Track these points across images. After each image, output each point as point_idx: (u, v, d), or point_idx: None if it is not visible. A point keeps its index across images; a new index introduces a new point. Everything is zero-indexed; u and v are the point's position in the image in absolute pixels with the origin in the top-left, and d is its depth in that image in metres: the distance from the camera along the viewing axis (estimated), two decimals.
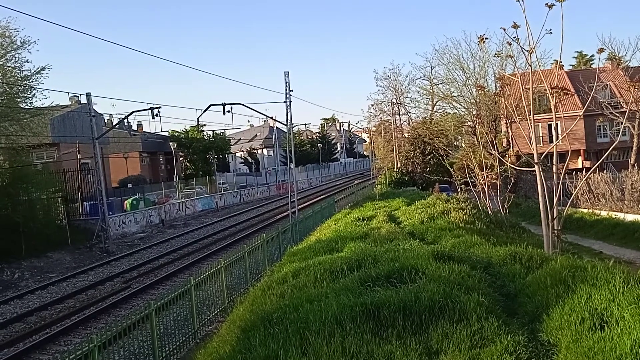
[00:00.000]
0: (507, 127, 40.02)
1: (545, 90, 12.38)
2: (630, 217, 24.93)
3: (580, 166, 40.50)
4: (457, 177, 27.79)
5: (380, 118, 54.17)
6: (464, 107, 41.97)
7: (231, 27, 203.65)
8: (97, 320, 15.63)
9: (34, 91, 29.81)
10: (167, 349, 9.99)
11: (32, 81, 29.46)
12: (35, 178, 29.37)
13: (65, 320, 15.58)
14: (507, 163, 21.14)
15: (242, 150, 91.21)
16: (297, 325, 7.20)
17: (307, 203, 41.48)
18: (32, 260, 25.20)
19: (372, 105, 54.03)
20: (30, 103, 30.28)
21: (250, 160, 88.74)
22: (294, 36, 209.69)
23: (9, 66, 28.73)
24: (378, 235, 15.25)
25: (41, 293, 19.64)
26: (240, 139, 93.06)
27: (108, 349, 8.16)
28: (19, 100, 29.70)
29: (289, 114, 31.58)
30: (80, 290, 19.45)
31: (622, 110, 37.74)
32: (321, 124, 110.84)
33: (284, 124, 34.85)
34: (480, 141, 25.84)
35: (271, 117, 47.99)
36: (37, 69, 29.53)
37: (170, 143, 54.79)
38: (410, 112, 52.38)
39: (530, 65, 12.16)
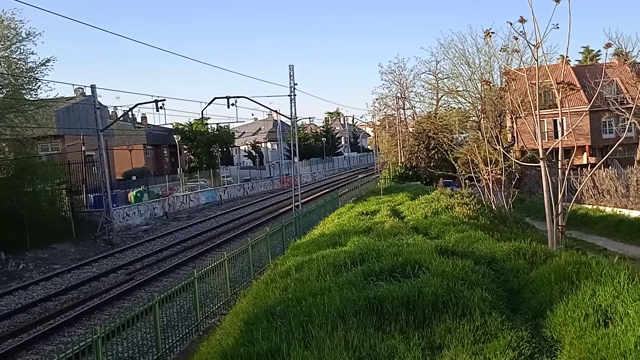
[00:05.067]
0: (512, 123, 39.84)
1: (551, 85, 12.32)
2: (635, 214, 24.83)
3: (585, 162, 40.28)
4: (462, 172, 27.70)
5: (385, 112, 54.01)
6: (469, 102, 41.80)
7: (236, 19, 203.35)
8: (100, 311, 15.70)
9: (39, 83, 29.94)
10: (170, 340, 10.02)
11: (37, 73, 29.57)
12: (40, 170, 29.45)
13: (69, 312, 15.65)
14: (512, 158, 21.12)
15: (246, 144, 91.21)
16: (300, 319, 7.20)
17: (311, 197, 41.48)
18: (37, 252, 25.32)
19: (377, 99, 53.83)
20: (35, 95, 30.41)
21: (254, 153, 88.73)
22: (299, 29, 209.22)
23: (14, 58, 28.81)
24: (381, 229, 15.23)
25: (45, 284, 19.72)
26: (244, 132, 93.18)
27: (112, 340, 8.20)
28: (24, 92, 29.78)
29: (293, 108, 31.52)
30: (84, 282, 19.53)
31: (628, 106, 37.45)
32: (325, 118, 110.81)
33: (288, 118, 34.78)
34: (485, 136, 25.77)
35: (275, 111, 47.84)
36: (42, 60, 29.64)
37: (175, 136, 54.82)
38: (414, 107, 52.21)
39: (537, 60, 12.08)
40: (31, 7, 38.52)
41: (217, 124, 62.40)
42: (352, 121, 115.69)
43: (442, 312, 7.04)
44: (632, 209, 25.48)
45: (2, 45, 28.21)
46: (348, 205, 26.97)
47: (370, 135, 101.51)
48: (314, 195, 42.92)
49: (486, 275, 8.75)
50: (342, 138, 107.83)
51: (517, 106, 16.84)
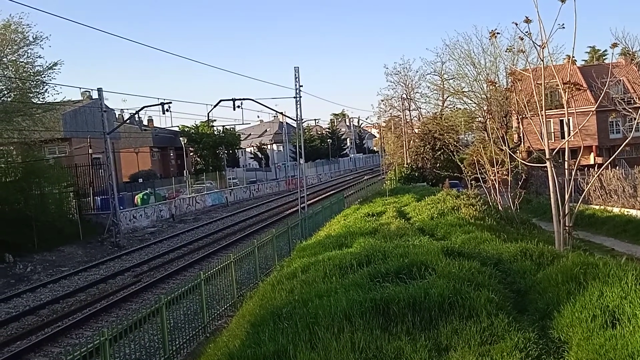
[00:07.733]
0: (518, 123, 39.72)
1: (557, 85, 12.27)
2: None
3: (592, 162, 40.08)
4: (468, 173, 27.64)
5: (390, 113, 53.92)
6: (475, 103, 41.70)
7: (241, 22, 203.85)
8: (108, 313, 15.77)
9: (46, 86, 30.17)
10: (177, 342, 10.05)
11: (44, 76, 29.79)
12: (47, 172, 29.60)
13: (77, 314, 15.74)
14: (518, 159, 21.03)
15: (252, 146, 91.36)
16: (307, 321, 7.20)
17: (317, 198, 41.49)
18: (44, 254, 25.46)
19: (382, 100, 53.76)
20: (42, 98, 30.60)
21: (260, 155, 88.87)
22: (304, 31, 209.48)
23: (22, 62, 29.01)
24: (387, 231, 15.21)
25: (53, 286, 19.84)
26: (250, 134, 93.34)
27: (119, 342, 8.24)
28: (31, 95, 29.97)
29: (298, 110, 31.58)
30: (92, 284, 19.63)
31: (635, 105, 37.22)
32: (331, 120, 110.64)
33: (293, 120, 34.84)
34: (491, 137, 25.68)
35: (281, 113, 48.09)
36: (49, 64, 29.85)
37: (181, 138, 55.00)
38: (420, 108, 52.16)
39: (542, 60, 12.06)
40: (38, 11, 38.89)
41: (223, 126, 62.47)
42: (358, 122, 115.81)
43: (448, 313, 7.02)
44: (639, 209, 25.31)
45: (9, 49, 28.43)
46: (354, 206, 26.97)
47: (375, 137, 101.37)
48: (320, 197, 42.92)
49: (493, 277, 8.72)
50: (348, 139, 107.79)
51: (523, 106, 16.79)
